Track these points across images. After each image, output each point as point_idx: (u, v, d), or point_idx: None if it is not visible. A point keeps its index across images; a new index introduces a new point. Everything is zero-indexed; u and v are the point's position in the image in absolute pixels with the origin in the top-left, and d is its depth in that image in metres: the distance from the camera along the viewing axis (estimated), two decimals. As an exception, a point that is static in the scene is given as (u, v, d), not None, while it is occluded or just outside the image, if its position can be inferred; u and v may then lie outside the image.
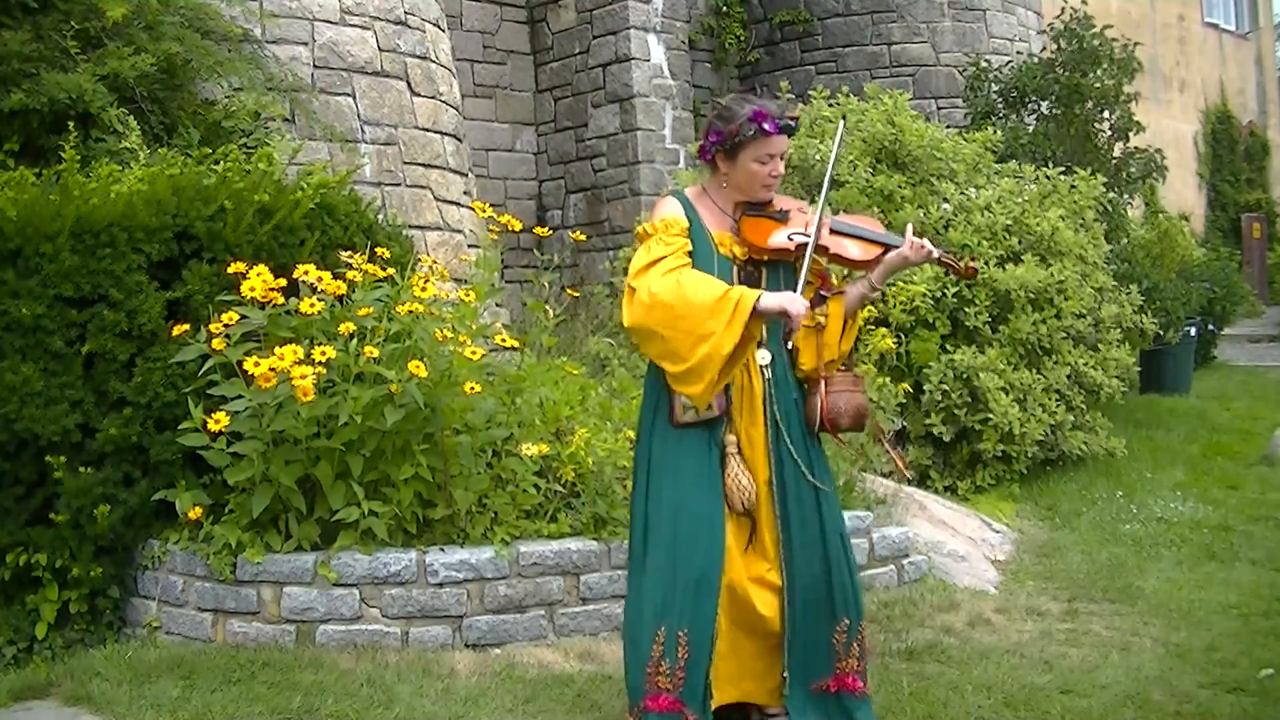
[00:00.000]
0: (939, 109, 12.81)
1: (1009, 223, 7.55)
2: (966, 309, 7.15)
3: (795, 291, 3.35)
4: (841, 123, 4.08)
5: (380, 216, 5.92)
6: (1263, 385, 11.98)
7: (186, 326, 4.50)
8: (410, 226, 7.29)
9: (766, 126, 3.40)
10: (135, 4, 5.93)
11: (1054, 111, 10.73)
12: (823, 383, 3.50)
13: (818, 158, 7.66)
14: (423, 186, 8.07)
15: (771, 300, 3.28)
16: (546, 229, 6.88)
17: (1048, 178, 8.16)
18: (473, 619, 4.52)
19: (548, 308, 5.29)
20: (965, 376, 6.92)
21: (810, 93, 8.96)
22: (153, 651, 4.40)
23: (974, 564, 5.82)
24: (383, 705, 3.91)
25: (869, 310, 6.57)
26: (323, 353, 4.34)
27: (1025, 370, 7.16)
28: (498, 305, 7.99)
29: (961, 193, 7.69)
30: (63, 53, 5.74)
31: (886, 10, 13.33)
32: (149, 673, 4.15)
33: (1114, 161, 10.75)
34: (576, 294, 7.29)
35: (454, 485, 4.64)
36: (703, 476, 3.42)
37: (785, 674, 3.48)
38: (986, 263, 7.23)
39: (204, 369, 4.44)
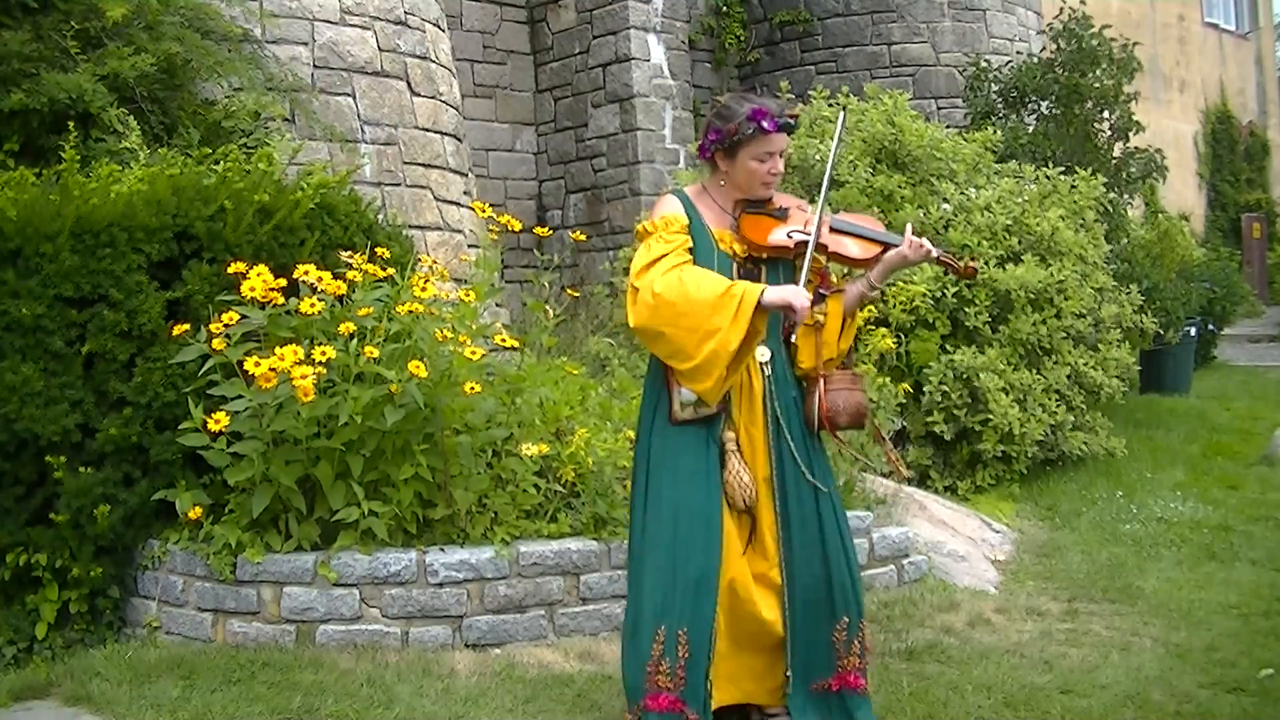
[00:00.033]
0: (939, 109, 12.81)
1: (1009, 223, 7.55)
2: (966, 309, 7.15)
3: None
4: (842, 113, 4.08)
5: (380, 216, 5.92)
6: (1263, 385, 11.99)
7: (186, 326, 4.50)
8: (410, 226, 7.29)
9: (765, 124, 3.40)
10: (135, 4, 5.93)
11: (1054, 111, 10.73)
12: (821, 381, 3.50)
13: (818, 158, 7.66)
14: (423, 186, 8.07)
15: (775, 294, 3.29)
16: (546, 229, 6.88)
17: (1048, 178, 8.16)
18: (473, 619, 4.52)
19: (548, 308, 5.29)
20: (965, 377, 6.92)
21: (810, 93, 8.96)
22: (153, 651, 4.40)
23: (974, 564, 5.82)
24: (383, 705, 3.91)
25: (869, 310, 6.58)
26: (323, 353, 4.34)
27: (1025, 370, 7.15)
28: (498, 305, 7.99)
29: (961, 193, 7.69)
30: (63, 53, 5.74)
31: (886, 10, 13.33)
32: (149, 673, 4.15)
33: (1114, 161, 10.75)
34: (576, 294, 7.28)
35: (454, 485, 4.64)
36: (701, 474, 3.41)
37: (788, 673, 3.48)
38: (986, 263, 7.23)
39: (204, 369, 4.44)
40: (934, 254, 3.55)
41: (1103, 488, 7.28)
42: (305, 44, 7.59)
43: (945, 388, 6.91)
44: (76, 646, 4.62)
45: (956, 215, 7.52)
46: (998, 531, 6.42)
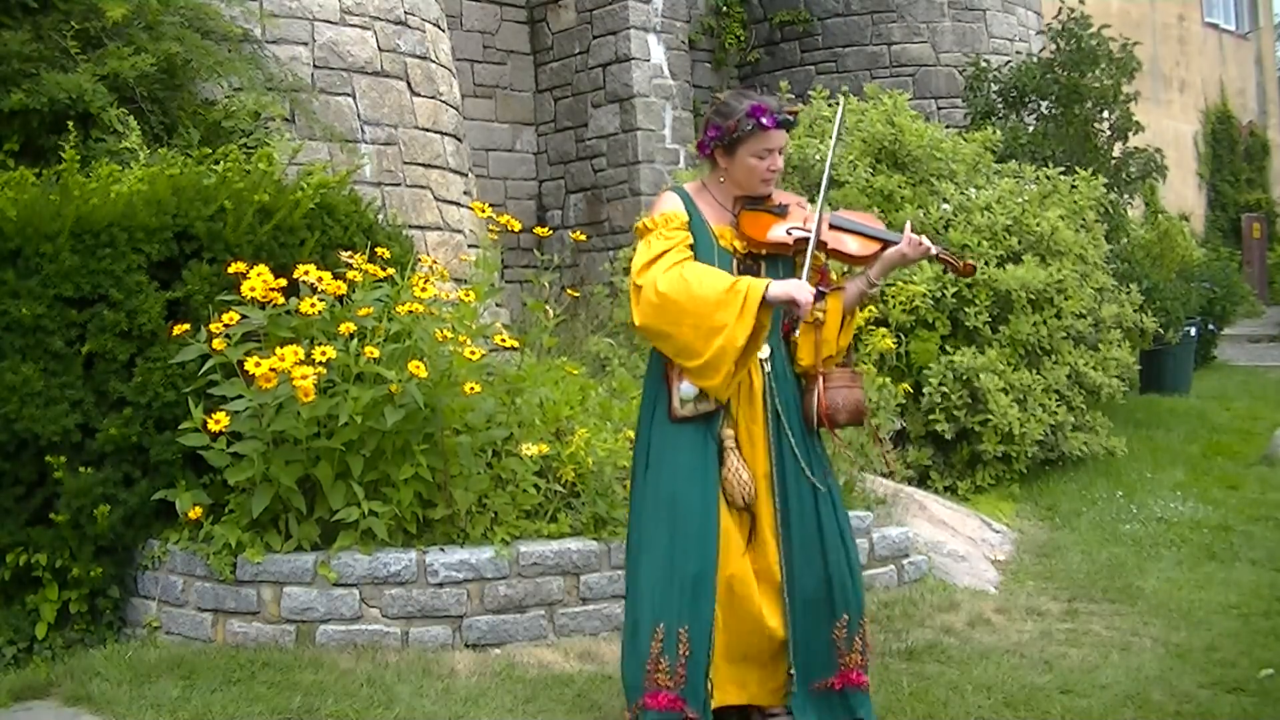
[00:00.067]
0: (939, 109, 12.81)
1: (1009, 223, 7.55)
2: (966, 309, 7.15)
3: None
4: (841, 102, 4.05)
5: (380, 216, 5.92)
6: (1263, 385, 11.99)
7: (186, 326, 4.50)
8: (410, 226, 7.29)
9: (764, 121, 3.40)
10: (135, 4, 5.93)
11: (1053, 111, 10.73)
12: (820, 378, 3.50)
13: (818, 158, 7.66)
14: (423, 186, 8.07)
15: (779, 289, 3.30)
16: (546, 229, 6.88)
17: (1048, 178, 8.16)
18: (473, 619, 4.52)
19: (548, 308, 5.29)
20: (965, 378, 6.92)
21: (810, 93, 8.96)
22: (153, 651, 4.40)
23: (974, 564, 5.82)
24: (383, 705, 3.91)
25: (869, 310, 6.58)
26: (323, 353, 4.34)
27: (1025, 370, 7.15)
28: (498, 305, 7.99)
29: (961, 193, 7.69)
30: (63, 53, 5.74)
31: (886, 10, 13.33)
32: (149, 673, 4.15)
33: (1114, 161, 10.75)
34: (576, 294, 7.28)
35: (454, 485, 4.64)
36: (700, 471, 3.42)
37: (791, 671, 3.48)
38: (986, 263, 7.23)
39: (204, 369, 4.44)
40: (933, 251, 3.56)
41: (1103, 488, 7.28)
42: (305, 44, 7.59)
43: (945, 389, 6.91)
44: (76, 646, 4.62)
45: (956, 215, 7.52)
46: (998, 531, 6.42)
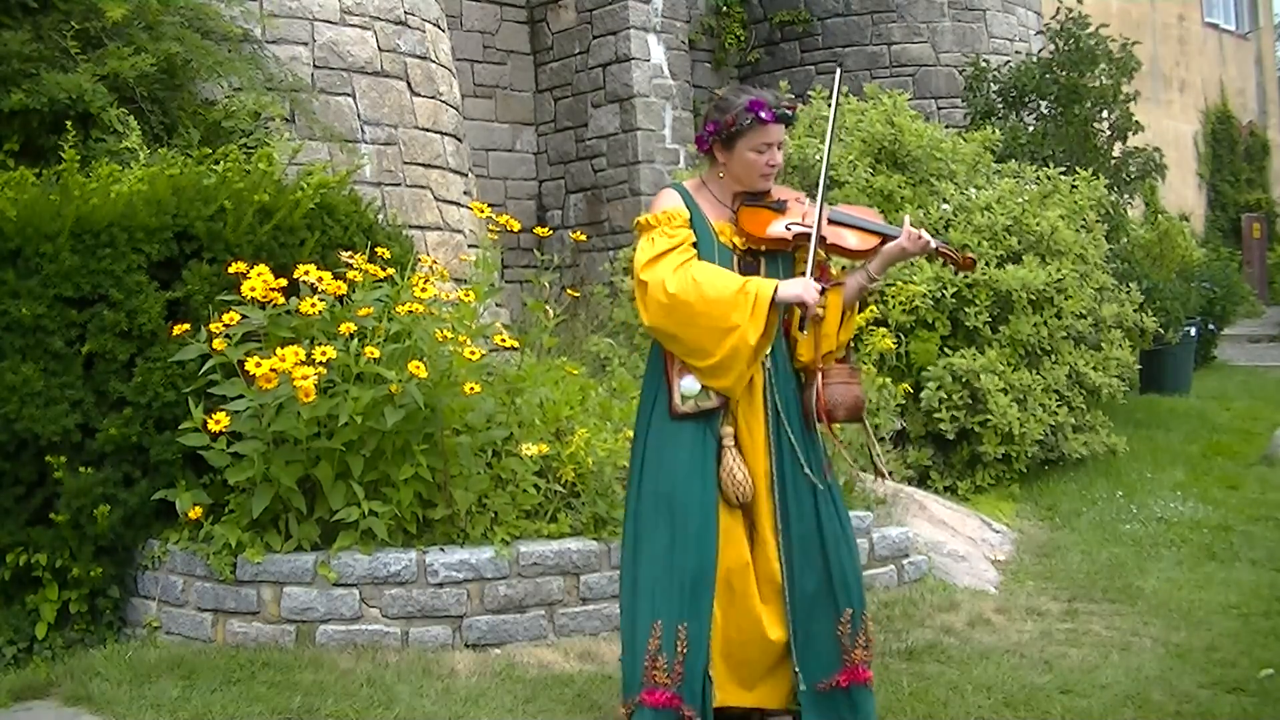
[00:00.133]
0: (939, 109, 12.82)
1: (1009, 223, 7.55)
2: (966, 309, 7.15)
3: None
4: (837, 81, 3.92)
5: (380, 216, 5.92)
6: (1263, 385, 11.99)
7: (186, 326, 4.50)
8: (410, 226, 7.29)
9: (763, 115, 3.41)
10: (135, 4, 5.93)
11: (1053, 111, 10.74)
12: (819, 374, 3.50)
13: (817, 157, 7.66)
14: (423, 186, 8.07)
15: (788, 290, 3.32)
16: (546, 229, 6.88)
17: (1048, 178, 8.16)
18: (473, 619, 4.52)
19: (548, 308, 5.29)
20: (965, 379, 6.92)
21: (810, 93, 8.97)
22: (153, 651, 4.40)
23: (974, 564, 5.82)
24: (383, 705, 3.91)
25: (869, 311, 6.57)
26: (323, 353, 4.34)
27: (1025, 370, 7.15)
28: (498, 305, 7.99)
29: (961, 193, 7.69)
30: (63, 53, 5.74)
31: (886, 10, 13.34)
32: (149, 673, 4.15)
33: (1113, 161, 10.75)
34: (576, 294, 7.28)
35: (454, 485, 4.64)
36: (698, 468, 3.41)
37: (797, 670, 3.46)
38: (987, 263, 7.23)
39: (204, 369, 4.44)
40: (932, 245, 3.55)
41: (1103, 488, 7.28)
42: (305, 44, 7.59)
43: (944, 391, 6.90)
44: (76, 646, 4.62)
45: (956, 215, 7.52)
46: (998, 531, 6.42)
